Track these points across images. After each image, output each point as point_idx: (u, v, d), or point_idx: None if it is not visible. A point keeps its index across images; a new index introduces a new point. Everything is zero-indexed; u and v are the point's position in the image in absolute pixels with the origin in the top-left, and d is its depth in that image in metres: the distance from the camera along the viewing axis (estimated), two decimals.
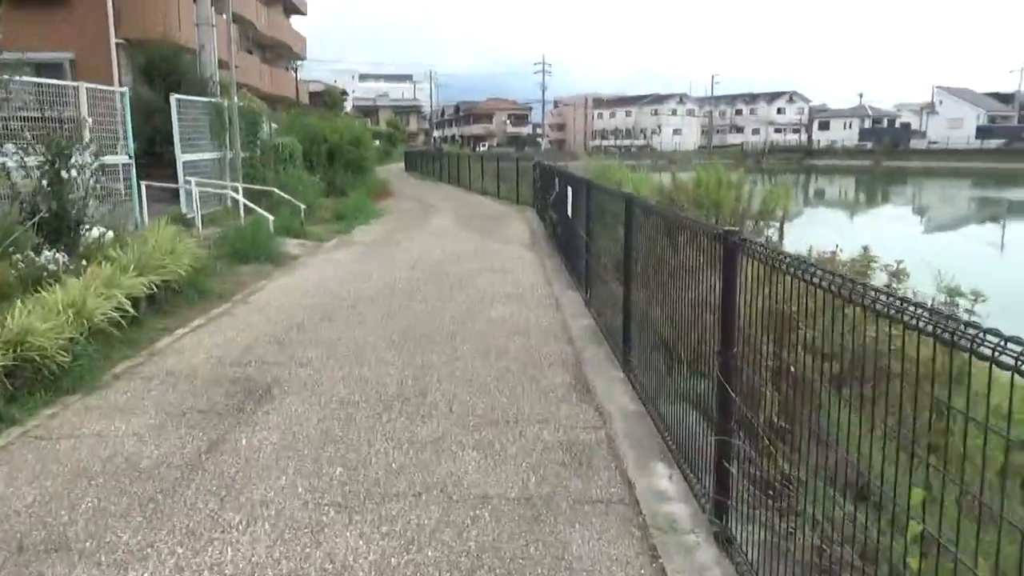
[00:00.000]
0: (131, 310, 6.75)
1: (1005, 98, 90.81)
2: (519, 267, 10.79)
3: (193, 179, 13.75)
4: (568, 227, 10.30)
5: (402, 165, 50.03)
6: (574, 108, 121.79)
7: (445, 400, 5.12)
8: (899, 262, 5.73)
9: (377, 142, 78.23)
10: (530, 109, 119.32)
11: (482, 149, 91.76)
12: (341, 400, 5.12)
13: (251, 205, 13.55)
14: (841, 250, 7.91)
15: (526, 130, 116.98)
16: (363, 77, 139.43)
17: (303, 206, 14.54)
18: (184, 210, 13.64)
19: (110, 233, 9.01)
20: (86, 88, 11.24)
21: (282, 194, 14.85)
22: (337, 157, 22.93)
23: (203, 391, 5.33)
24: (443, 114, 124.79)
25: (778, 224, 12.69)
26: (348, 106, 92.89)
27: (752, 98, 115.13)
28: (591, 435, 4.50)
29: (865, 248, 7.08)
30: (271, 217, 12.58)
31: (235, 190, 14.42)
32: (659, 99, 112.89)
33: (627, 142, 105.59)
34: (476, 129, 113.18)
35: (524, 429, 4.58)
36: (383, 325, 7.30)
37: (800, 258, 2.67)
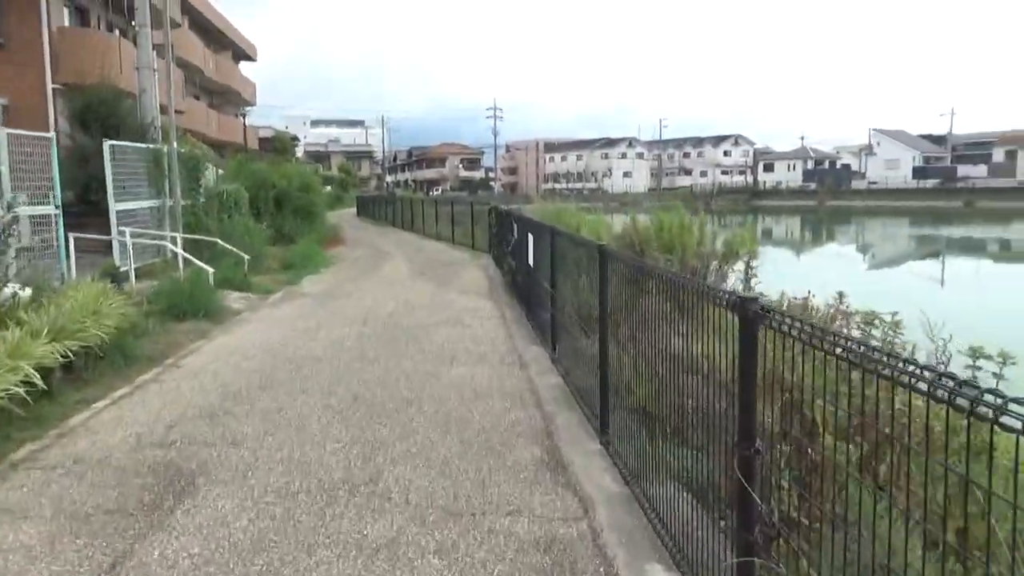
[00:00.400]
0: (40, 383, 5.93)
1: (938, 140, 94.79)
2: (478, 319, 10.18)
3: (127, 229, 12.88)
4: (529, 276, 9.77)
5: (354, 210, 49.26)
6: (526, 152, 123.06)
7: (400, 487, 4.43)
8: (894, 314, 5.31)
9: (329, 187, 77.45)
10: (482, 153, 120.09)
11: (435, 193, 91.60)
12: (278, 491, 4.40)
13: (189, 257, 12.71)
14: (813, 295, 7.54)
15: (479, 174, 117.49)
16: (315, 123, 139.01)
17: (247, 257, 13.75)
18: (118, 263, 12.73)
19: (26, 292, 8.15)
20: (7, 134, 10.39)
21: (225, 244, 14.05)
22: (285, 203, 22.16)
23: (115, 483, 4.54)
24: (396, 159, 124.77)
25: (742, 267, 12.38)
26: (299, 152, 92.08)
27: (699, 141, 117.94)
28: (572, 528, 3.86)
29: (840, 294, 6.74)
30: (211, 270, 11.77)
31: (174, 241, 13.57)
32: (609, 143, 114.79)
33: (579, 185, 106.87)
34: (429, 173, 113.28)
35: (493, 523, 3.93)
36: (330, 391, 6.59)
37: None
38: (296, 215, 22.56)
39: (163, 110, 26.75)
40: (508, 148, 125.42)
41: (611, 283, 5.05)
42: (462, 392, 6.50)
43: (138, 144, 14.05)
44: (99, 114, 18.90)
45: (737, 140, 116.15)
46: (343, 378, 7.03)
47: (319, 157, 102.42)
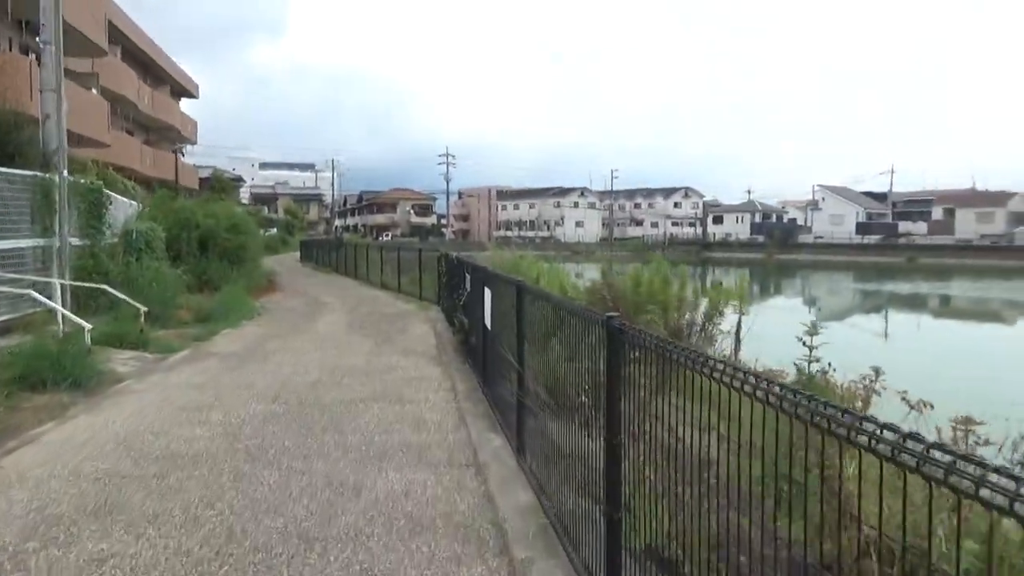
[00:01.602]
0: None
1: (879, 197, 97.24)
2: (422, 393, 8.14)
3: None
4: (487, 340, 7.82)
5: (298, 255, 46.78)
6: (478, 199, 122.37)
7: None
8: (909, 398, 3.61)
9: (274, 230, 74.81)
10: (434, 199, 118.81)
11: (385, 238, 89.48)
12: None
13: (57, 307, 10.37)
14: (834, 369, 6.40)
15: (431, 220, 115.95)
16: (264, 165, 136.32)
17: (143, 309, 11.47)
18: None
19: None
20: None
21: (115, 293, 11.75)
22: (211, 246, 19.87)
23: None
24: (346, 203, 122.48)
25: (732, 327, 10.65)
26: (244, 194, 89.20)
27: (650, 192, 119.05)
28: None
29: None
30: (87, 325, 9.47)
31: (49, 289, 11.22)
32: (562, 192, 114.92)
33: (531, 233, 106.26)
34: (380, 218, 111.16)
35: None
36: (193, 522, 4.45)
37: None
38: (224, 259, 20.25)
39: (82, 140, 24.23)
40: (460, 195, 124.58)
41: (619, 367, 3.17)
42: (391, 522, 4.43)
43: (15, 171, 11.76)
44: None
45: (687, 192, 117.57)
46: (219, 496, 4.89)
47: (266, 200, 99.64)
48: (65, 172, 12.07)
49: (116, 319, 11.48)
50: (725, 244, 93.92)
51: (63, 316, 10.26)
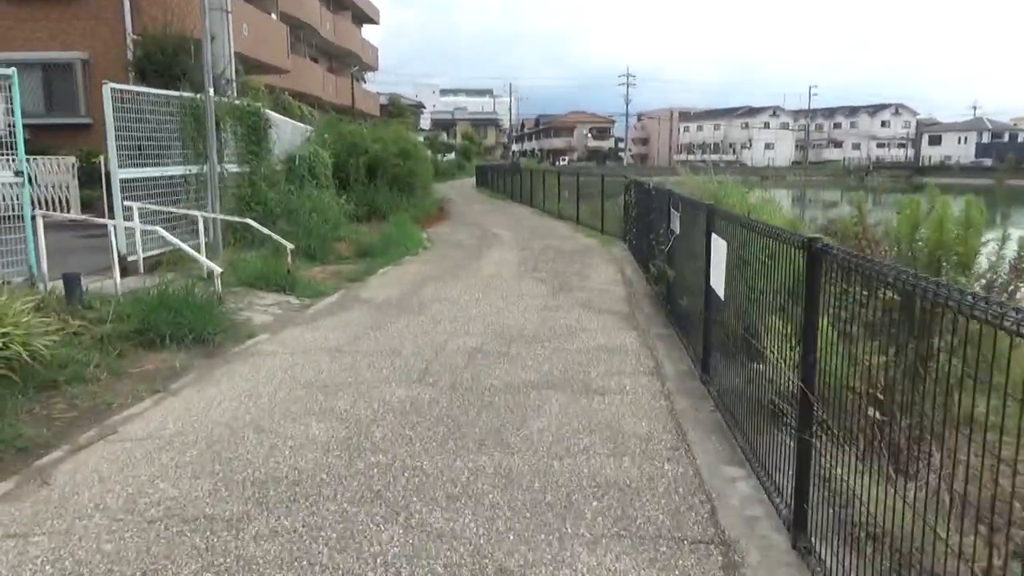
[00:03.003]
0: None
1: None
2: (616, 377, 5.92)
3: (137, 205, 9.53)
4: (712, 308, 5.42)
5: (474, 180, 45.83)
6: (659, 121, 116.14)
7: None
8: None
9: (452, 155, 74.86)
10: (612, 122, 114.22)
11: (562, 163, 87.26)
12: None
13: (183, 247, 9.13)
14: None
15: (608, 144, 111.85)
16: (444, 91, 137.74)
17: (289, 246, 10.09)
18: (122, 250, 9.42)
19: None
20: None
21: (259, 227, 10.46)
22: (380, 173, 18.62)
23: None
24: (523, 127, 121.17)
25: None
26: (425, 120, 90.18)
27: (852, 111, 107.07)
28: None
29: None
30: (216, 269, 8.08)
31: (191, 223, 10.09)
32: (751, 112, 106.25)
33: (714, 157, 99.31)
34: (556, 143, 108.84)
35: None
36: None
37: None
38: (393, 187, 19.00)
39: (255, 64, 23.73)
40: (640, 117, 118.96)
41: None
42: None
43: (161, 91, 10.63)
44: (158, 64, 16.00)
45: (897, 109, 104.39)
46: (316, 562, 3.03)
47: (445, 125, 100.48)
48: (212, 91, 10.79)
49: (265, 256, 10.24)
50: (943, 168, 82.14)
51: (201, 256, 9.06)
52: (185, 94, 10.95)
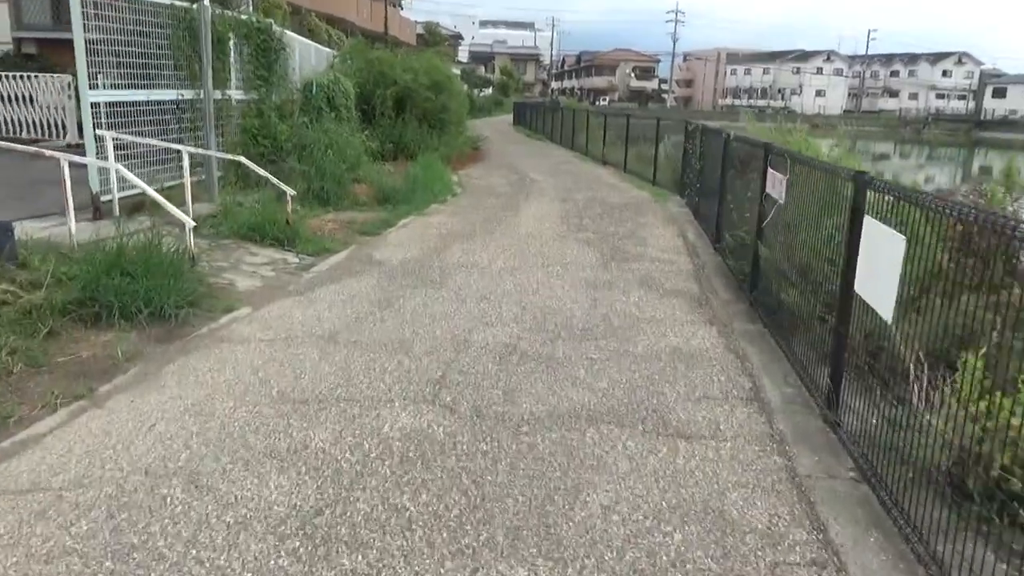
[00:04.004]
0: None
1: None
2: (704, 407, 4.27)
3: (110, 135, 7.97)
4: (851, 320, 3.76)
5: (511, 118, 43.61)
6: (704, 63, 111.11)
7: None
8: None
9: (489, 90, 71.99)
10: (657, 62, 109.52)
11: (602, 103, 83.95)
12: None
13: (148, 190, 7.56)
14: None
15: (651, 84, 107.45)
16: (483, 23, 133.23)
17: (290, 191, 8.48)
18: (96, 188, 7.91)
19: None
20: None
21: (250, 164, 8.82)
22: (409, 106, 16.81)
23: None
24: (563, 64, 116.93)
25: None
26: (463, 52, 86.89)
27: (912, 58, 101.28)
28: None
29: None
30: (189, 223, 6.45)
31: (203, 158, 8.51)
32: (803, 56, 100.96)
33: (762, 102, 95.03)
34: (597, 81, 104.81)
35: None
36: None
37: None
38: (423, 122, 17.21)
39: None
40: (685, 58, 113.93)
41: None
42: None
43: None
44: None
45: (961, 59, 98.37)
46: None
47: (483, 58, 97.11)
48: (207, 1, 9.07)
49: (265, 202, 8.67)
50: (1007, 123, 77.30)
51: (171, 205, 7.53)
52: (178, 2, 9.25)
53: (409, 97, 16.72)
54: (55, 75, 14.16)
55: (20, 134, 14.40)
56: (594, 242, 9.02)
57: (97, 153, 7.89)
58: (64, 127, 14.15)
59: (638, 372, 4.74)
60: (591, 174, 17.13)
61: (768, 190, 5.98)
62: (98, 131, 7.88)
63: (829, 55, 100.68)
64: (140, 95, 8.71)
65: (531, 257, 8.05)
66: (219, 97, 10.20)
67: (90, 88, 7.81)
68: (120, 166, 7.04)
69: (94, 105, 7.90)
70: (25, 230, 6.60)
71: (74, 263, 5.73)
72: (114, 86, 8.32)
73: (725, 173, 8.43)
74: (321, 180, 10.74)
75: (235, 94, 10.79)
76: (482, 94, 60.55)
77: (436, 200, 11.95)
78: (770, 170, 5.97)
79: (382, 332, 5.40)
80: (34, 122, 14.52)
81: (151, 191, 6.69)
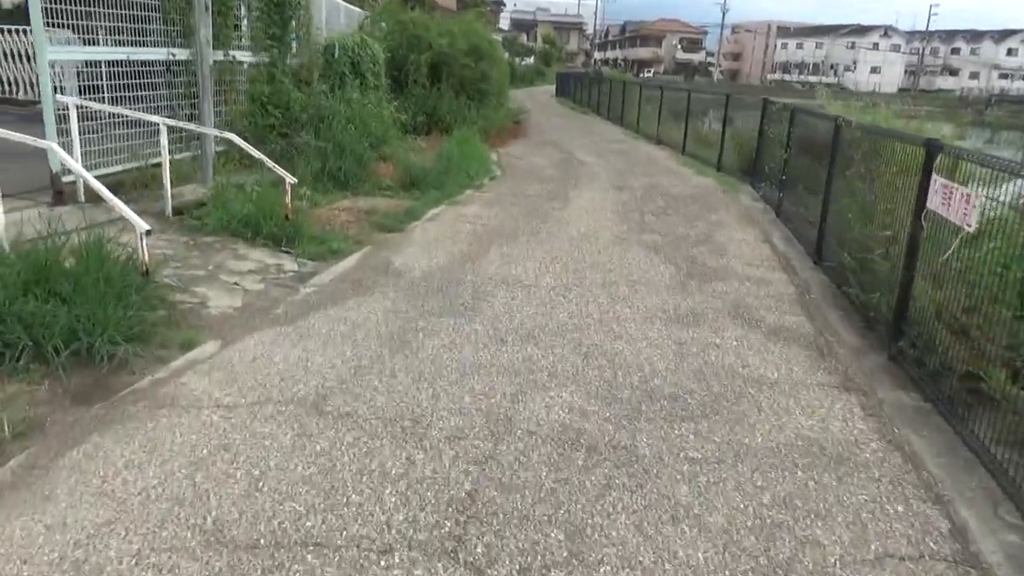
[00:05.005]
0: None
1: None
2: (887, 573, 2.70)
3: (71, 101, 6.47)
4: None
5: (553, 88, 41.59)
6: (754, 36, 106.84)
7: None
8: None
9: (531, 59, 69.53)
10: (705, 33, 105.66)
11: (646, 75, 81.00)
12: None
13: (90, 179, 6.08)
14: None
15: (698, 57, 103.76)
16: None
17: (289, 179, 6.88)
18: (56, 168, 6.45)
19: None
20: None
21: (241, 143, 7.22)
22: (445, 75, 15.13)
23: None
24: (607, 34, 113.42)
25: None
26: (504, 19, 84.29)
27: (975, 35, 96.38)
28: None
29: None
30: (142, 226, 4.82)
31: (211, 135, 6.98)
32: (859, 30, 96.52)
33: (813, 78, 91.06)
34: (642, 52, 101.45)
35: None
36: None
37: None
38: (460, 92, 15.53)
39: None
40: (734, 30, 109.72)
41: None
42: None
43: None
44: None
45: None
46: None
47: (525, 26, 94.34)
48: None
49: (264, 187, 7.12)
50: None
51: (126, 210, 6.01)
52: None
53: (445, 64, 15.03)
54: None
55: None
56: (663, 248, 7.34)
57: (60, 122, 6.42)
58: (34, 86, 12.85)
59: (768, 492, 3.12)
60: (645, 155, 15.33)
61: (931, 206, 4.26)
62: (59, 96, 6.38)
63: (887, 30, 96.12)
64: (119, 53, 7.19)
65: (587, 270, 6.41)
66: (221, 58, 8.66)
67: (49, 44, 6.30)
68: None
69: (54, 64, 6.39)
70: None
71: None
72: (85, 41, 6.81)
73: (834, 168, 6.68)
74: (339, 159, 9.20)
75: (242, 55, 9.25)
76: (523, 63, 58.32)
77: (471, 184, 10.34)
78: (938, 179, 4.24)
79: (389, 396, 3.84)
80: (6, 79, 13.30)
81: (90, 178, 5.15)
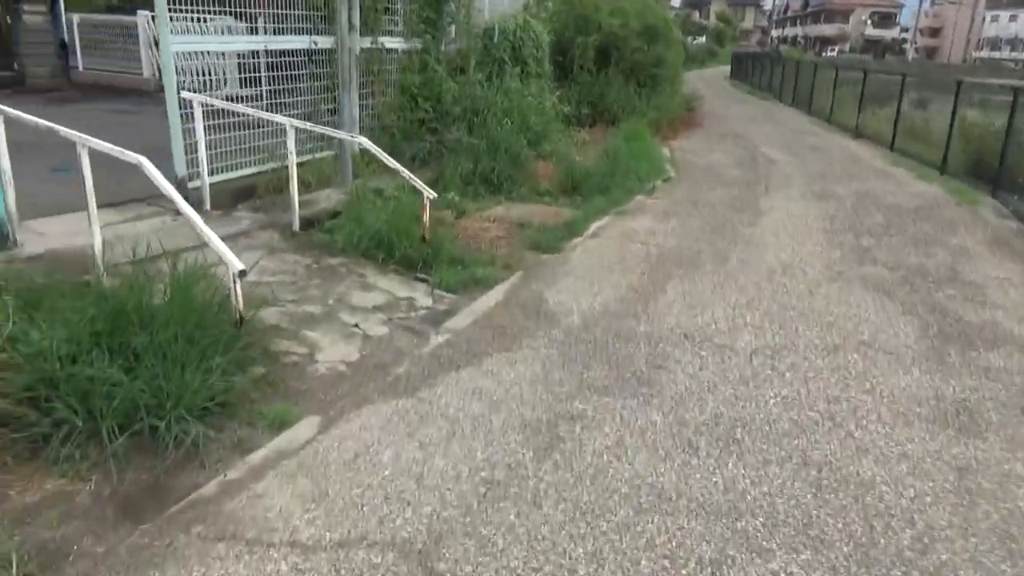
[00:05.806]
0: None
1: None
2: None
3: (198, 99, 5.77)
4: None
5: (727, 69, 38.73)
6: (958, 7, 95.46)
7: None
8: None
9: (703, 39, 65.91)
10: (900, 6, 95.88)
11: (830, 54, 74.59)
12: None
13: (170, 191, 5.25)
14: None
15: (890, 34, 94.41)
16: None
17: (428, 194, 5.78)
18: (181, 172, 5.82)
19: None
20: None
21: (374, 150, 6.16)
22: (614, 59, 13.70)
23: None
24: (787, 10, 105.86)
25: None
26: None
27: None
28: None
29: None
30: (237, 265, 3.86)
31: (352, 136, 6.15)
32: None
33: None
34: (826, 29, 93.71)
35: None
36: None
37: None
38: (630, 79, 14.06)
39: None
40: (933, 2, 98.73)
41: None
42: None
43: None
44: None
45: None
46: None
47: (697, 3, 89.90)
48: None
49: (401, 200, 6.13)
50: None
51: (210, 243, 5.16)
52: None
53: (615, 47, 13.59)
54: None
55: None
56: (894, 290, 5.63)
57: (184, 121, 5.76)
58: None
59: None
60: (845, 151, 13.14)
61: None
62: (184, 93, 5.70)
63: None
64: (256, 42, 6.47)
65: (798, 322, 4.88)
66: (368, 45, 7.81)
67: (174, 35, 5.62)
68: (142, 160, 4.69)
69: (179, 56, 5.72)
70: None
71: (56, 314, 3.48)
72: (215, 30, 6.12)
73: None
74: (493, 158, 8.15)
75: (392, 42, 8.37)
76: (695, 42, 55.31)
77: (642, 189, 8.95)
78: None
79: (529, 548, 2.63)
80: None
81: (170, 188, 4.29)
